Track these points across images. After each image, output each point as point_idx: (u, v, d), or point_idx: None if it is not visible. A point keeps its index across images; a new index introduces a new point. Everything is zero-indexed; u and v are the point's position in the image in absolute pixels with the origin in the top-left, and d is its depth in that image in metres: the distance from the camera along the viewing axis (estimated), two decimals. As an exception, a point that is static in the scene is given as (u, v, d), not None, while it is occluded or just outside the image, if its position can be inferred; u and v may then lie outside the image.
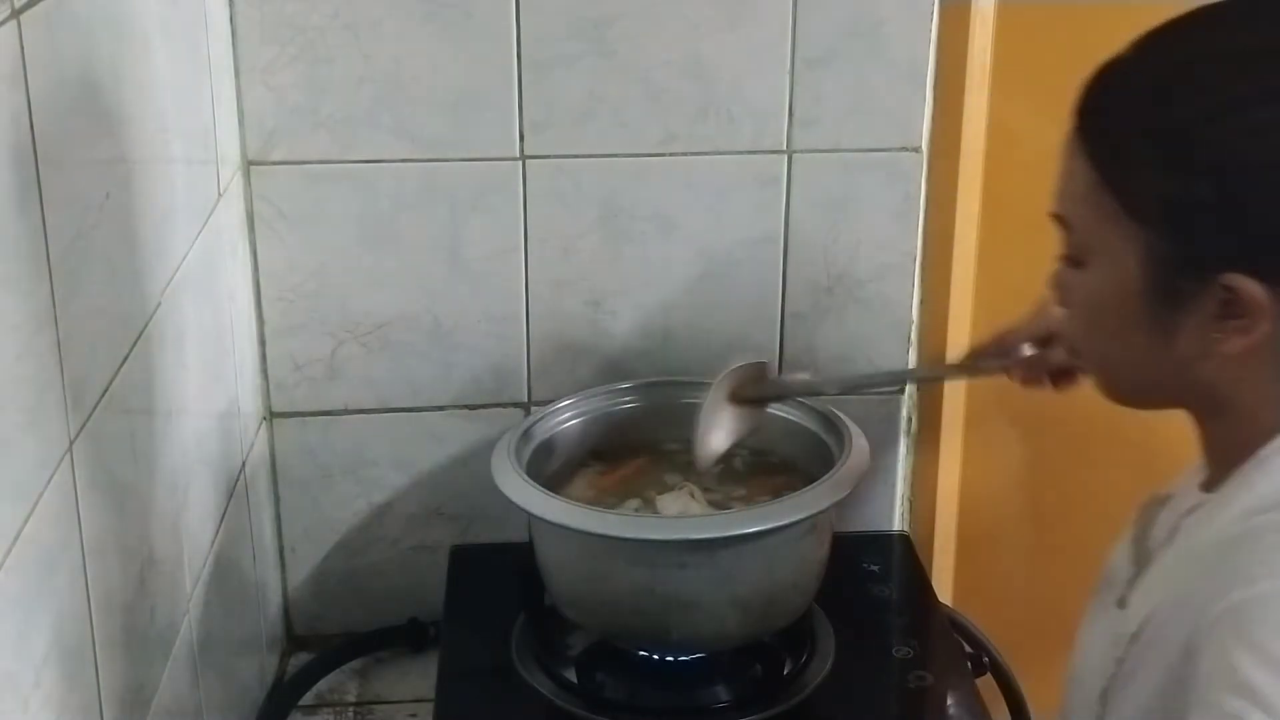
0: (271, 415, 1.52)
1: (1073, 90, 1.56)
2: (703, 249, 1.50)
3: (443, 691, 1.31)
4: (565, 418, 1.41)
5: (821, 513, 1.23)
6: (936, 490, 1.61)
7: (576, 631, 1.34)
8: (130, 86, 1.05)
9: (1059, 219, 0.94)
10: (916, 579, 1.48)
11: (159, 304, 1.11)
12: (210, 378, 1.29)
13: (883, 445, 1.56)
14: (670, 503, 1.31)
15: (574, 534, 1.21)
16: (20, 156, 0.83)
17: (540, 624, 1.35)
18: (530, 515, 1.25)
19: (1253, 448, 0.88)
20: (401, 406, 1.53)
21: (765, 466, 1.40)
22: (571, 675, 1.29)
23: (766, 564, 1.23)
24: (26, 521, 0.82)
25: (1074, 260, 0.93)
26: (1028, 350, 1.23)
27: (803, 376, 1.32)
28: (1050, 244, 1.55)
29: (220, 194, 1.34)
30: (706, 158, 1.47)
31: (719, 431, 1.30)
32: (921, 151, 1.50)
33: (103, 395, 0.96)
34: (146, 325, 1.07)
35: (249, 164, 1.43)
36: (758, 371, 1.32)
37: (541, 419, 1.39)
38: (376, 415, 1.53)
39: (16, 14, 0.82)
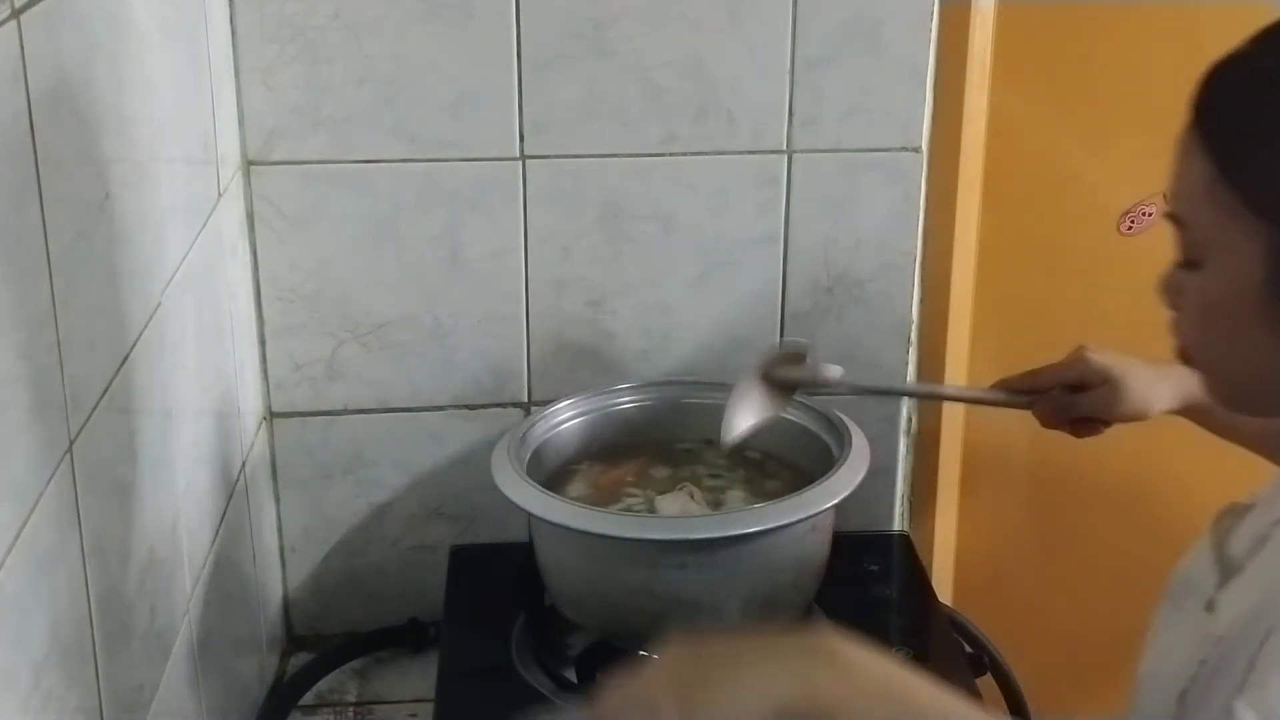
0: (271, 415, 1.52)
1: (1073, 90, 1.56)
2: (703, 249, 1.50)
3: (443, 691, 1.31)
4: (565, 418, 1.42)
5: (821, 513, 1.23)
6: (936, 490, 1.61)
7: (576, 631, 1.34)
8: (130, 86, 1.05)
9: (1174, 219, 0.92)
10: (916, 579, 1.48)
11: (159, 304, 1.11)
12: (210, 378, 1.29)
13: (883, 445, 1.56)
14: (670, 503, 1.31)
15: (574, 534, 1.21)
16: (20, 156, 0.83)
17: (540, 624, 1.35)
18: (530, 515, 1.25)
19: None
20: (401, 406, 1.53)
21: (766, 466, 1.40)
22: (571, 675, 1.29)
23: (766, 564, 1.23)
24: (26, 521, 0.82)
25: (1190, 261, 0.91)
26: (1057, 393, 1.24)
27: (835, 371, 1.30)
28: (1050, 243, 1.56)
29: (220, 194, 1.34)
30: (706, 158, 1.47)
31: (747, 410, 1.29)
32: (921, 151, 1.50)
33: (103, 395, 0.96)
34: (146, 325, 1.07)
35: (249, 164, 1.43)
36: (795, 354, 1.31)
37: (541, 419, 1.40)
38: (376, 415, 1.53)
39: (16, 14, 0.82)
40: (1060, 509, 1.64)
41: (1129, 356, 1.25)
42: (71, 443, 0.90)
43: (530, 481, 1.25)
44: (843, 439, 1.31)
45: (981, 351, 1.57)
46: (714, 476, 1.39)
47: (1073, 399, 1.23)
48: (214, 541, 1.28)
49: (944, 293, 1.54)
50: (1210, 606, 0.94)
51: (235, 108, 1.40)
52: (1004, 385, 1.29)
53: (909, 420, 1.60)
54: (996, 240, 1.54)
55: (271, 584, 1.55)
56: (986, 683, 1.43)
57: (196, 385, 1.23)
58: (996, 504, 1.64)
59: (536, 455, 1.35)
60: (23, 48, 0.83)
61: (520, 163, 1.46)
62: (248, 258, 1.45)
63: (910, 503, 1.63)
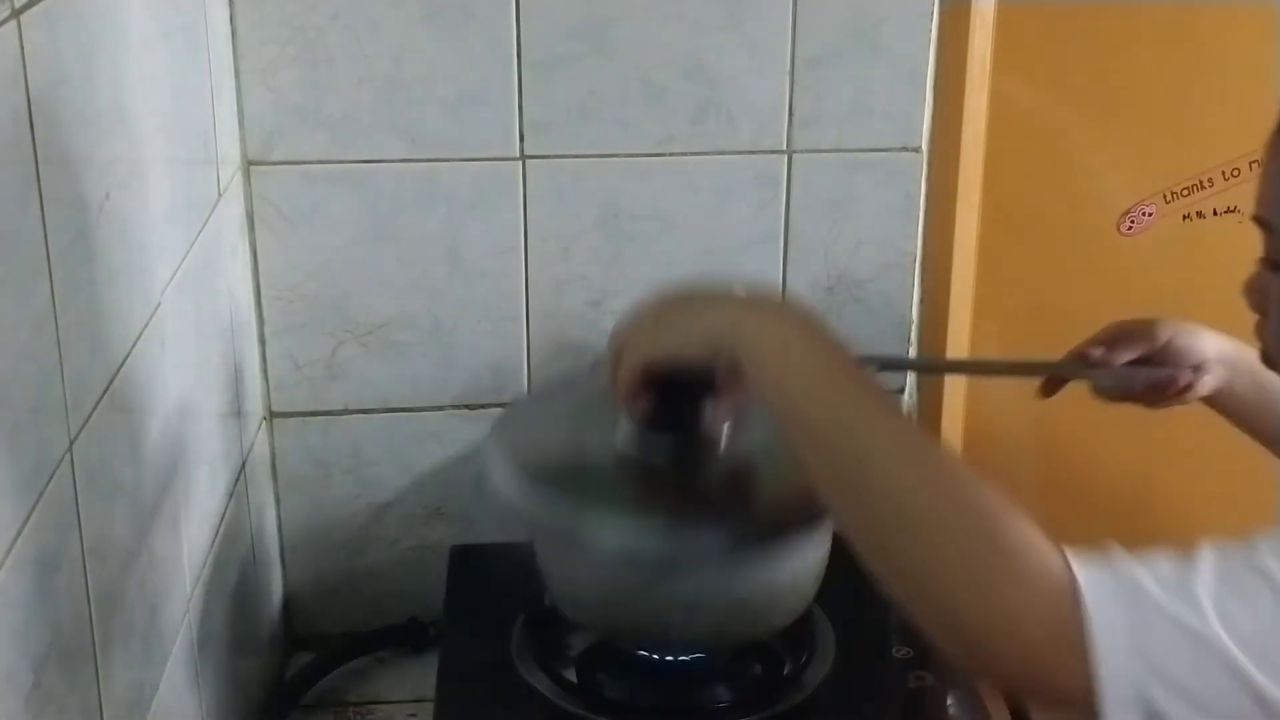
0: (271, 415, 1.52)
1: (1073, 90, 1.56)
2: (703, 249, 1.50)
3: (443, 691, 1.31)
4: (565, 418, 1.41)
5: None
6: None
7: (576, 631, 1.34)
8: (130, 86, 1.05)
9: (1261, 221, 0.91)
10: (916, 579, 1.48)
11: (159, 304, 1.11)
12: (210, 378, 1.29)
13: (883, 445, 1.56)
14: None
15: (574, 534, 1.21)
16: (20, 156, 0.83)
17: (540, 624, 1.35)
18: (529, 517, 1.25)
19: None
20: (401, 406, 1.53)
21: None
22: (571, 675, 1.29)
23: (766, 564, 1.23)
24: (26, 521, 0.82)
25: (1276, 263, 0.91)
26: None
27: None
28: (1050, 243, 1.56)
29: (220, 194, 1.34)
30: (706, 158, 1.47)
31: None
32: (921, 151, 1.50)
33: (103, 395, 0.96)
34: (146, 325, 1.07)
35: (249, 164, 1.43)
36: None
37: (541, 419, 1.39)
38: (376, 415, 1.53)
39: (16, 14, 0.82)
40: (1060, 509, 1.63)
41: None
42: (71, 443, 0.90)
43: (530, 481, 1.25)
44: (843, 439, 1.30)
45: (982, 352, 1.57)
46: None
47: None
48: (214, 541, 1.28)
49: (944, 293, 1.54)
50: None
51: (235, 108, 1.40)
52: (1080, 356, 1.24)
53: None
54: (996, 240, 1.54)
55: (271, 584, 1.55)
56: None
57: (196, 385, 1.23)
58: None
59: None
60: (23, 48, 0.83)
61: (520, 163, 1.46)
62: (248, 258, 1.45)
63: (910, 503, 1.63)
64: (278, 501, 1.55)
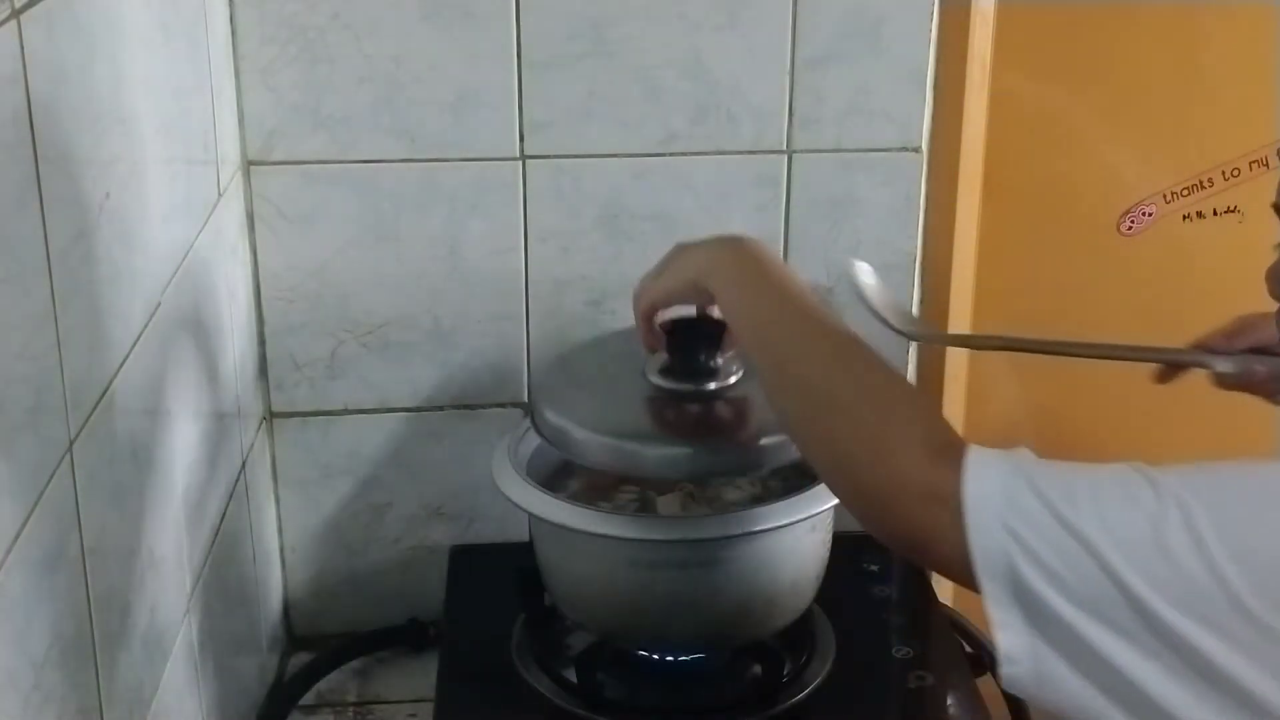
0: (271, 415, 1.52)
1: (1073, 89, 1.56)
2: (703, 249, 1.50)
3: (443, 691, 1.31)
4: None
5: (821, 513, 1.23)
6: (936, 490, 1.60)
7: (576, 631, 1.34)
8: (130, 86, 1.05)
9: (1278, 209, 0.92)
10: (916, 579, 1.48)
11: (159, 304, 1.11)
12: (210, 378, 1.29)
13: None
14: (669, 504, 1.31)
15: (574, 534, 1.21)
16: (20, 156, 0.83)
17: (540, 624, 1.35)
18: (530, 515, 1.25)
19: None
20: (401, 406, 1.53)
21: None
22: (571, 675, 1.29)
23: (766, 564, 1.23)
24: (26, 521, 0.82)
25: None
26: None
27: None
28: (1050, 243, 1.56)
29: (220, 194, 1.34)
30: (706, 158, 1.47)
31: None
32: (921, 151, 1.50)
33: (103, 395, 0.96)
34: (146, 325, 1.07)
35: (249, 164, 1.43)
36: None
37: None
38: (376, 415, 1.53)
39: (16, 14, 0.82)
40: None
41: None
42: (71, 443, 0.90)
43: (530, 481, 1.25)
44: (843, 439, 1.31)
45: (983, 352, 1.57)
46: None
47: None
48: (214, 541, 1.28)
49: (944, 293, 1.54)
50: None
51: (235, 108, 1.40)
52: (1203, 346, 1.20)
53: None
54: (996, 240, 1.54)
55: (271, 584, 1.55)
56: (986, 683, 1.42)
57: (196, 385, 1.23)
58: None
59: (536, 455, 1.34)
60: (23, 48, 0.83)
61: (520, 163, 1.46)
62: (248, 258, 1.45)
63: (910, 503, 1.63)
64: (277, 502, 1.55)
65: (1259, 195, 0.99)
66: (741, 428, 1.19)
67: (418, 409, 1.53)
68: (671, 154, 1.47)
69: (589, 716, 1.25)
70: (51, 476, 0.87)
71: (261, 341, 1.49)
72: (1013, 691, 0.85)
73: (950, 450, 0.87)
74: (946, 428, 0.93)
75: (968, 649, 1.43)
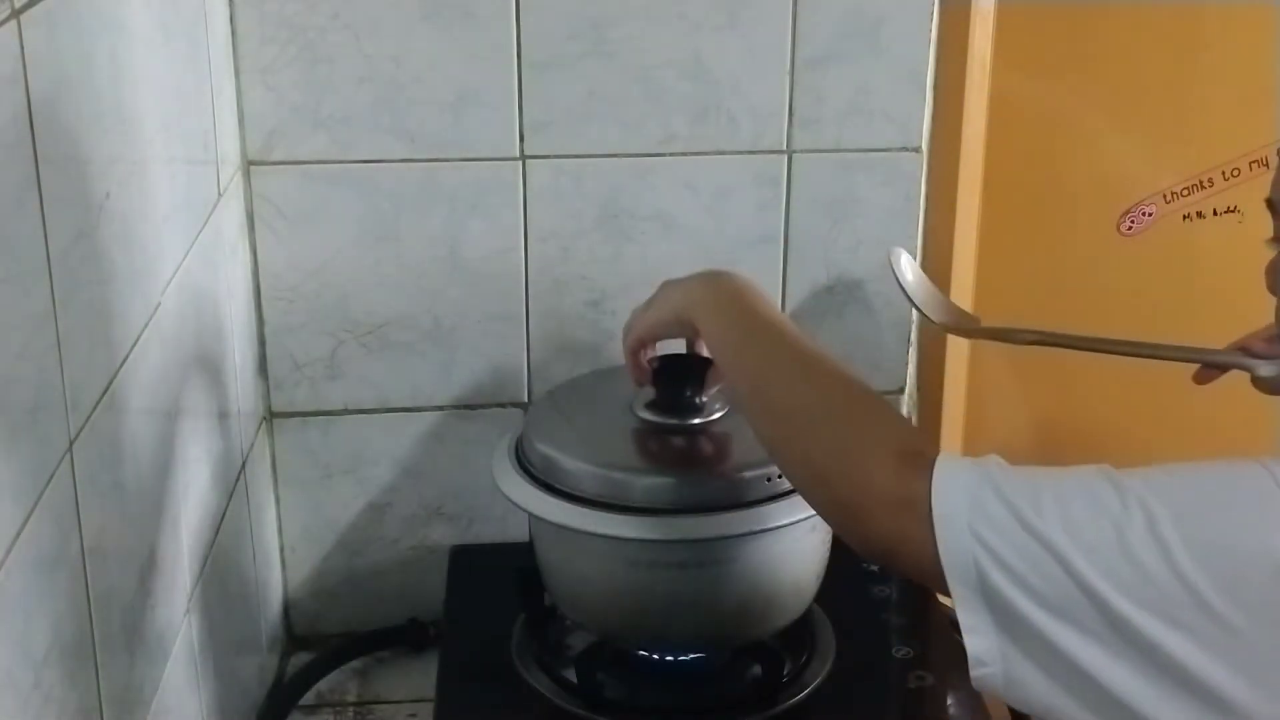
0: (271, 415, 1.52)
1: (1073, 89, 1.56)
2: (703, 249, 1.50)
3: (443, 691, 1.31)
4: (565, 417, 1.42)
5: (821, 513, 1.23)
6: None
7: (576, 631, 1.34)
8: (130, 86, 1.05)
9: (1273, 205, 0.93)
10: (916, 579, 1.48)
11: (159, 304, 1.11)
12: (210, 378, 1.29)
13: (883, 445, 1.56)
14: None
15: (574, 534, 1.21)
16: (20, 156, 0.83)
17: (540, 624, 1.35)
18: (530, 515, 1.25)
19: None
20: (401, 406, 1.53)
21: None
22: (571, 675, 1.29)
23: (766, 564, 1.23)
24: (26, 521, 0.82)
25: None
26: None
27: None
28: (1050, 243, 1.56)
29: (220, 194, 1.34)
30: (706, 158, 1.47)
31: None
32: (921, 151, 1.50)
33: (103, 395, 0.96)
34: (146, 325, 1.07)
35: (249, 164, 1.43)
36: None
37: (541, 419, 1.40)
38: (376, 415, 1.53)
39: (16, 14, 0.82)
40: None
41: None
42: (71, 443, 0.90)
43: (530, 482, 1.25)
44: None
45: (982, 352, 1.57)
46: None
47: None
48: (214, 541, 1.28)
49: (944, 293, 1.54)
50: None
51: (235, 108, 1.40)
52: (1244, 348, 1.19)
53: (909, 420, 1.60)
54: (996, 240, 1.54)
55: (271, 584, 1.55)
56: (986, 683, 1.42)
57: (196, 385, 1.23)
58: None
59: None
60: (23, 48, 0.83)
61: (520, 163, 1.46)
62: (248, 258, 1.45)
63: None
64: (277, 501, 1.55)
65: (1259, 195, 0.99)
66: (724, 460, 1.22)
67: (418, 409, 1.53)
68: (671, 154, 1.47)
69: (589, 716, 1.25)
70: (51, 476, 0.86)
71: (261, 341, 1.49)
72: (983, 692, 0.85)
73: (919, 459, 0.88)
74: (915, 437, 0.96)
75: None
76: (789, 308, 1.54)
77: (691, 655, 1.30)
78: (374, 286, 1.48)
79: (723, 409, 1.25)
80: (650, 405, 1.25)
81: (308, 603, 1.60)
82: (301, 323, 1.49)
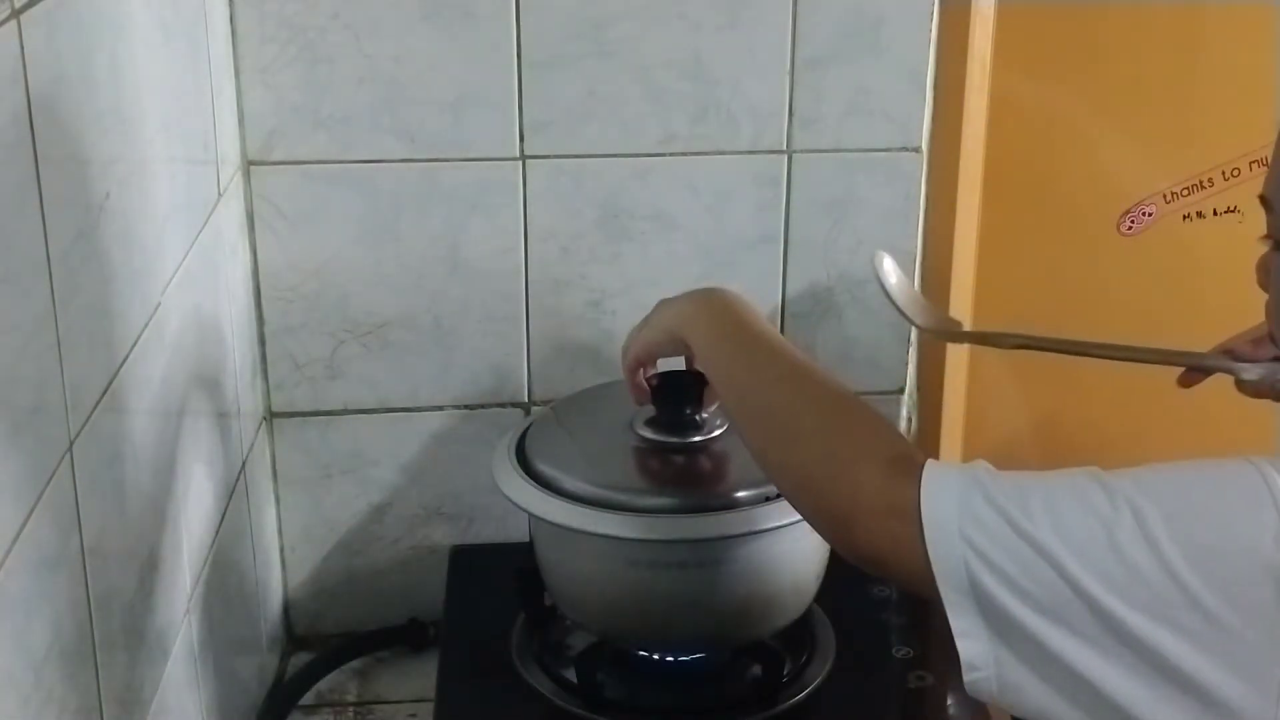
0: (271, 415, 1.52)
1: (1073, 89, 1.56)
2: (703, 249, 1.50)
3: (443, 691, 1.31)
4: (565, 418, 1.42)
5: (821, 513, 1.23)
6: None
7: (576, 631, 1.34)
8: (130, 86, 1.05)
9: (1265, 201, 0.93)
10: (916, 579, 1.48)
11: (159, 304, 1.11)
12: (210, 377, 1.29)
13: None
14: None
15: (574, 534, 1.21)
16: (20, 156, 0.83)
17: (540, 624, 1.35)
18: (530, 515, 1.25)
19: None
20: (401, 406, 1.53)
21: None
22: (571, 675, 1.29)
23: (766, 564, 1.23)
24: (26, 521, 0.82)
25: (1278, 241, 0.92)
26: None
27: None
28: (1050, 243, 1.56)
29: (220, 194, 1.34)
30: (706, 158, 1.47)
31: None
32: (921, 151, 1.50)
33: (103, 395, 0.96)
34: (146, 325, 1.07)
35: (249, 164, 1.43)
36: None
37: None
38: (376, 415, 1.53)
39: (16, 14, 0.82)
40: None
41: None
42: (71, 443, 0.90)
43: (530, 481, 1.25)
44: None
45: (982, 352, 1.57)
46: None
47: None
48: (214, 541, 1.28)
49: (944, 293, 1.54)
50: None
51: (235, 108, 1.40)
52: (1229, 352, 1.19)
53: (909, 420, 1.61)
54: (996, 240, 1.54)
55: (271, 584, 1.55)
56: (986, 683, 1.42)
57: (196, 385, 1.23)
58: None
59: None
60: (23, 48, 0.83)
61: (520, 163, 1.46)
62: (248, 258, 1.45)
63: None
64: (277, 501, 1.55)
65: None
66: (723, 479, 1.23)
67: (418, 409, 1.53)
68: (671, 154, 1.47)
69: (589, 716, 1.25)
70: (51, 476, 0.87)
71: (261, 341, 1.49)
72: (977, 698, 0.85)
73: (907, 465, 0.88)
74: (903, 443, 0.96)
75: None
76: (789, 308, 1.54)
77: (691, 655, 1.30)
78: (374, 286, 1.48)
79: (722, 426, 1.25)
80: (650, 423, 1.26)
81: (308, 603, 1.60)
82: (301, 323, 1.49)
